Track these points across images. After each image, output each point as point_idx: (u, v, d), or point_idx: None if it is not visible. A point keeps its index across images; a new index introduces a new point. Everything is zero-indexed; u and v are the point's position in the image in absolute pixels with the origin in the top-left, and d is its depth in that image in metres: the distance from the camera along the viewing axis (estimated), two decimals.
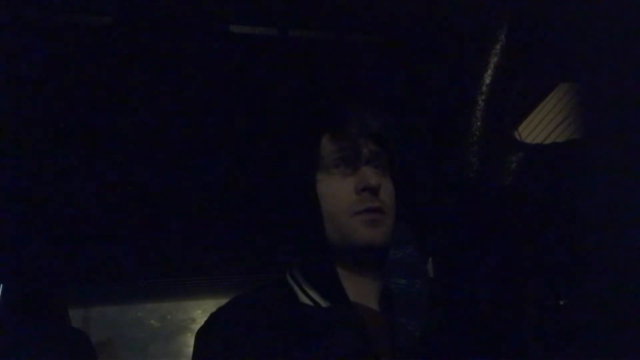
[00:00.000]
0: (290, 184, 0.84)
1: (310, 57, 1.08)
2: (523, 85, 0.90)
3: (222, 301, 0.82)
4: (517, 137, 1.17)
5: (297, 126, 0.94)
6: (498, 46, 0.82)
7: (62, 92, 1.09)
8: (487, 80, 0.81)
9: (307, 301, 0.79)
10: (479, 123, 0.81)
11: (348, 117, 0.84)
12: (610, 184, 0.36)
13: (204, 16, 0.97)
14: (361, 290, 0.80)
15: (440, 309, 0.80)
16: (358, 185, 0.79)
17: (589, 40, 0.38)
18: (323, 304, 0.78)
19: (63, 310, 1.78)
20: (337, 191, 0.80)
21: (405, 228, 0.85)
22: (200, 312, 3.19)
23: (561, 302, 0.79)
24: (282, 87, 1.15)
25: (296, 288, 0.81)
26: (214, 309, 0.81)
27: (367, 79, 1.15)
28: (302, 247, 0.83)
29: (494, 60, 0.82)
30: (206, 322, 0.79)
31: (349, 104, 0.88)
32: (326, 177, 0.81)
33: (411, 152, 1.00)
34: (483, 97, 0.81)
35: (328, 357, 0.71)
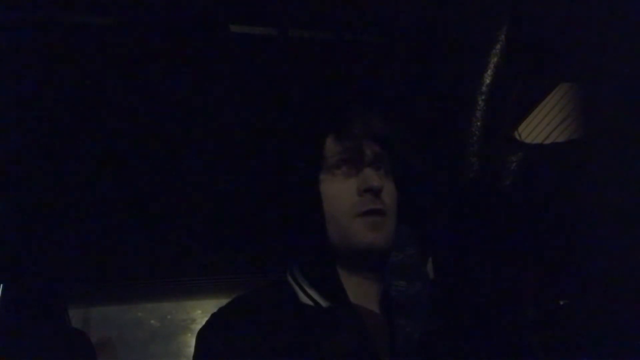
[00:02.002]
0: (293, 184, 0.84)
1: (310, 57, 1.08)
2: (523, 85, 0.90)
3: (222, 301, 0.82)
4: (517, 137, 1.17)
5: (299, 126, 0.94)
6: (498, 46, 0.82)
7: (63, 92, 1.09)
8: (487, 80, 0.81)
9: (307, 301, 0.79)
10: (479, 123, 0.81)
11: (352, 118, 0.84)
12: (610, 184, 0.36)
13: (204, 16, 0.97)
14: (362, 291, 0.80)
15: (440, 310, 0.80)
16: (360, 186, 0.79)
17: (589, 40, 0.38)
18: (323, 304, 0.78)
19: (63, 310, 1.78)
20: (340, 192, 0.80)
21: (405, 230, 0.85)
22: (200, 312, 3.18)
23: (561, 302, 0.79)
24: (282, 87, 1.15)
25: (297, 288, 0.81)
26: (214, 309, 0.81)
27: (367, 80, 1.15)
28: (303, 247, 0.83)
29: (494, 60, 0.82)
30: (207, 322, 0.79)
31: (354, 105, 0.88)
32: (329, 178, 0.81)
33: (411, 152, 1.00)
34: (483, 97, 0.81)
35: (328, 357, 0.71)
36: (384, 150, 0.83)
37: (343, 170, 0.81)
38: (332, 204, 0.79)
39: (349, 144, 0.81)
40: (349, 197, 0.79)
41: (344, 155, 0.81)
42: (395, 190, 0.83)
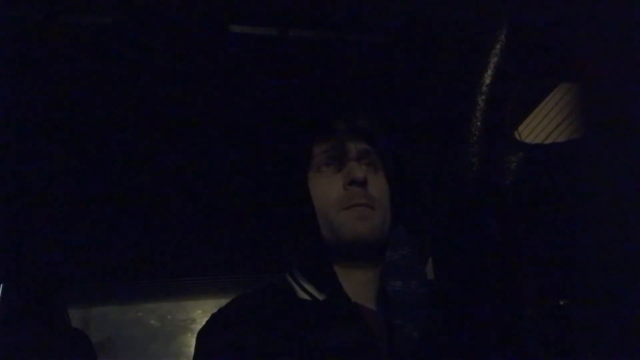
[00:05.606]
0: (285, 184, 0.87)
1: (310, 57, 1.08)
2: (523, 85, 0.90)
3: (222, 301, 0.83)
4: (517, 137, 1.17)
5: (289, 127, 0.95)
6: (498, 46, 0.82)
7: (62, 92, 1.09)
8: (487, 80, 0.81)
9: (304, 296, 0.80)
10: (479, 123, 0.81)
11: (337, 117, 0.88)
12: (610, 184, 0.36)
13: (204, 16, 0.97)
14: (358, 287, 0.81)
15: (440, 309, 0.80)
16: (345, 180, 0.81)
17: (589, 40, 0.38)
18: (320, 297, 0.79)
19: (63, 310, 1.78)
20: (327, 188, 0.82)
21: (401, 231, 0.86)
22: (200, 312, 3.19)
23: (561, 302, 0.79)
24: (282, 87, 1.15)
25: (295, 285, 0.82)
26: (214, 309, 0.82)
27: (367, 79, 1.15)
28: (299, 245, 0.85)
29: (494, 60, 0.82)
30: (207, 322, 0.80)
31: (340, 104, 0.91)
32: (317, 176, 0.84)
33: (402, 148, 1.01)
34: (483, 97, 0.81)
35: (328, 348, 0.72)
36: (370, 147, 0.86)
37: (329, 167, 0.84)
38: (321, 200, 0.82)
39: (333, 141, 0.84)
40: (335, 191, 0.82)
41: (330, 153, 0.84)
42: (386, 185, 0.85)
